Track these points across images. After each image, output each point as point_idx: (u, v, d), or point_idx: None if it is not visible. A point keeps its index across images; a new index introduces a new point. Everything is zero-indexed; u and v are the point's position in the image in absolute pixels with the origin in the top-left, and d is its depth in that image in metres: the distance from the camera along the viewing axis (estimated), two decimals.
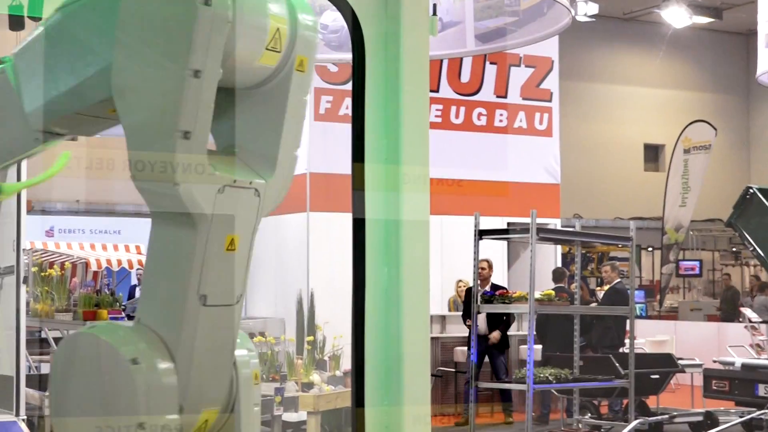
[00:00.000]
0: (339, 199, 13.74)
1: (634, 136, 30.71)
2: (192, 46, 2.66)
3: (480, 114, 16.93)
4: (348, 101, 15.32)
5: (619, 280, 14.43)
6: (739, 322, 19.26)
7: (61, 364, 2.87)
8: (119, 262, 17.80)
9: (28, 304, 11.67)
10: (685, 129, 26.36)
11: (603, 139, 30.11)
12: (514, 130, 17.10)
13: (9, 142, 3.08)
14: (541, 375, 11.16)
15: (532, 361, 10.90)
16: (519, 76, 17.31)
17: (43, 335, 13.87)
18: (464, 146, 16.53)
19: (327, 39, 9.99)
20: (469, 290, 14.02)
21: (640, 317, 20.47)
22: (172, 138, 2.64)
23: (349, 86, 15.24)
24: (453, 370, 14.65)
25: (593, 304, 15.81)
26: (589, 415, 13.21)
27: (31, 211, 19.56)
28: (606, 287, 14.96)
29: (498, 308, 11.86)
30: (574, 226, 13.32)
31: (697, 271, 28.84)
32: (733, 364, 13.81)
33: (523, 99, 17.30)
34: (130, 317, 10.78)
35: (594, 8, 22.23)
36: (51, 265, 14.08)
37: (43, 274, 12.44)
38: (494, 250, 15.03)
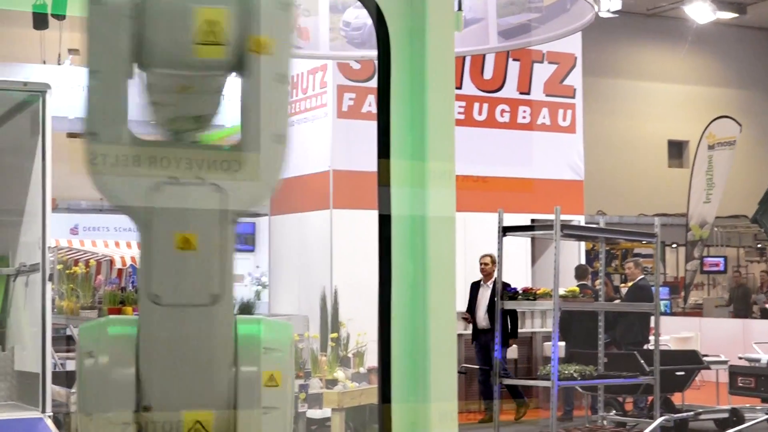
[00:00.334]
0: (362, 196, 13.75)
1: (658, 133, 30.58)
2: (87, 45, 2.64)
3: (503, 111, 16.90)
4: (371, 98, 15.33)
5: (642, 276, 14.39)
6: (752, 317, 19.16)
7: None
8: None
9: (53, 301, 11.76)
10: (709, 125, 26.23)
11: (627, 135, 30.00)
12: (538, 127, 17.06)
13: None
14: (566, 372, 11.14)
15: (557, 358, 10.88)
16: (542, 72, 17.27)
17: (69, 332, 13.95)
18: (487, 143, 16.50)
19: (350, 36, 9.99)
20: (473, 285, 14.10)
21: (665, 314, 20.40)
22: (86, 138, 2.65)
23: (371, 83, 15.25)
24: (477, 366, 14.64)
25: (616, 301, 15.76)
26: (614, 412, 13.18)
27: (55, 209, 19.63)
28: (629, 284, 14.92)
29: (522, 305, 11.85)
30: (598, 223, 13.29)
31: (721, 268, 28.70)
32: (759, 360, 13.75)
33: (547, 95, 17.26)
34: None
35: (617, 4, 22.11)
36: (76, 262, 14.15)
37: (68, 271, 12.51)
38: (518, 247, 15.01)
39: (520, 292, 11.57)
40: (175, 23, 2.64)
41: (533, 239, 16.03)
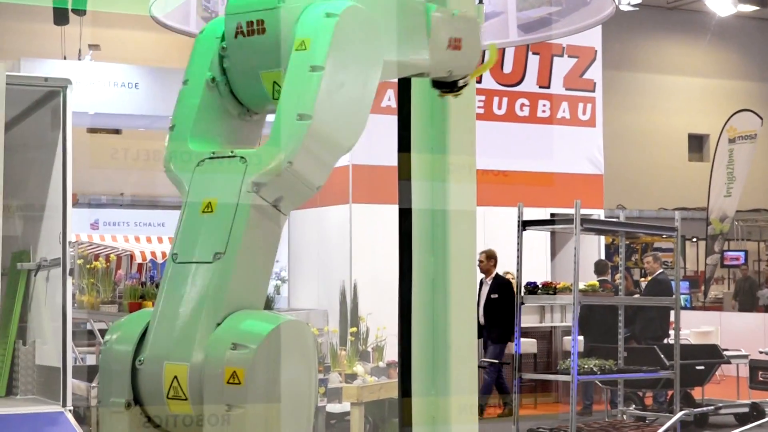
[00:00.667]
0: (381, 191, 13.75)
1: (679, 126, 30.47)
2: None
3: (523, 105, 16.86)
4: (390, 93, 15.30)
5: (661, 270, 14.34)
6: (758, 311, 19.08)
7: None
8: (164, 254, 17.88)
9: (74, 296, 11.81)
10: (730, 118, 26.10)
11: (647, 128, 29.90)
12: (558, 121, 17.01)
13: None
14: (586, 366, 11.12)
15: (576, 352, 10.86)
16: (562, 66, 17.21)
17: (89, 327, 14.01)
18: (507, 137, 16.46)
19: None
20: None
21: (685, 308, 20.32)
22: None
23: None
24: (497, 361, 14.62)
25: (636, 295, 15.71)
26: (634, 406, 13.15)
27: (76, 204, 19.71)
28: (648, 278, 14.87)
29: (542, 299, 11.83)
30: (618, 217, 13.24)
31: (741, 262, 28.58)
32: None
33: (566, 89, 17.20)
34: None
35: None
36: (96, 257, 14.20)
37: (88, 266, 12.55)
38: (538, 241, 14.99)
39: (540, 286, 11.55)
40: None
41: (552, 233, 16.00)
